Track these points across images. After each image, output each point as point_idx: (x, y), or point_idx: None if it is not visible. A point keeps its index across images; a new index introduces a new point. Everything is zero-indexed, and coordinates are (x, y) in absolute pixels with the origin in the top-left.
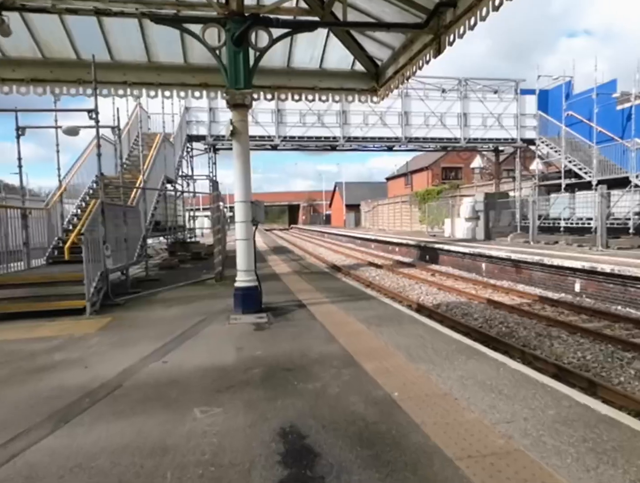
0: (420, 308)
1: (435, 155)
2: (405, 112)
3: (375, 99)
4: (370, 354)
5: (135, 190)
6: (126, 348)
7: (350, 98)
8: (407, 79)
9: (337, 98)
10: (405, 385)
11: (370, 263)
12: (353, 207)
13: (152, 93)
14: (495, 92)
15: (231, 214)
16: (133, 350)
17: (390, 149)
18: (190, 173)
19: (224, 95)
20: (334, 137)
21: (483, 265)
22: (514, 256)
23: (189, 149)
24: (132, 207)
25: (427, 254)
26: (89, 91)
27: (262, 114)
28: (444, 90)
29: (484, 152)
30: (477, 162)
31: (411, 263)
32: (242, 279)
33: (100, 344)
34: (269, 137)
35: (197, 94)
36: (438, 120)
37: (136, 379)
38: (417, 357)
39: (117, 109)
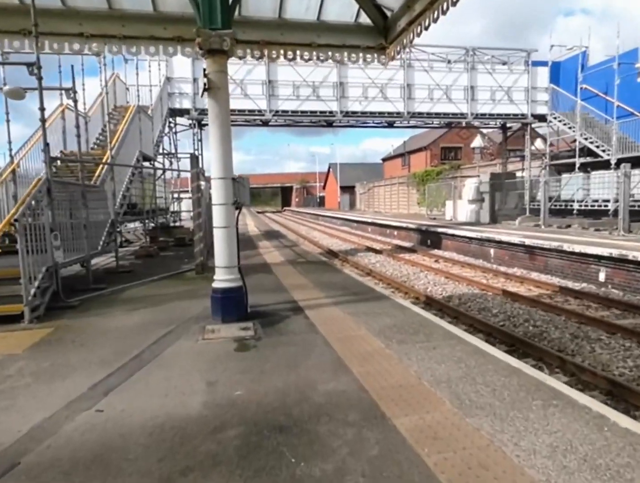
0: (430, 302)
1: (433, 134)
2: (407, 84)
3: (383, 58)
4: (401, 397)
5: (100, 167)
6: (54, 383)
7: (353, 57)
8: (426, 29)
9: (338, 57)
10: (471, 470)
11: (369, 248)
12: (347, 189)
13: (115, 48)
14: (505, 63)
15: None
16: (62, 387)
17: (390, 125)
18: (173, 151)
19: (196, 38)
20: (331, 112)
21: (492, 250)
22: (528, 241)
23: (172, 124)
24: (95, 186)
25: (429, 238)
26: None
27: (252, 86)
28: (449, 61)
29: (487, 131)
30: (477, 141)
31: (412, 248)
32: (222, 278)
33: (20, 374)
34: (259, 111)
35: (170, 49)
36: (443, 94)
37: (46, 449)
38: (470, 404)
39: (72, 66)
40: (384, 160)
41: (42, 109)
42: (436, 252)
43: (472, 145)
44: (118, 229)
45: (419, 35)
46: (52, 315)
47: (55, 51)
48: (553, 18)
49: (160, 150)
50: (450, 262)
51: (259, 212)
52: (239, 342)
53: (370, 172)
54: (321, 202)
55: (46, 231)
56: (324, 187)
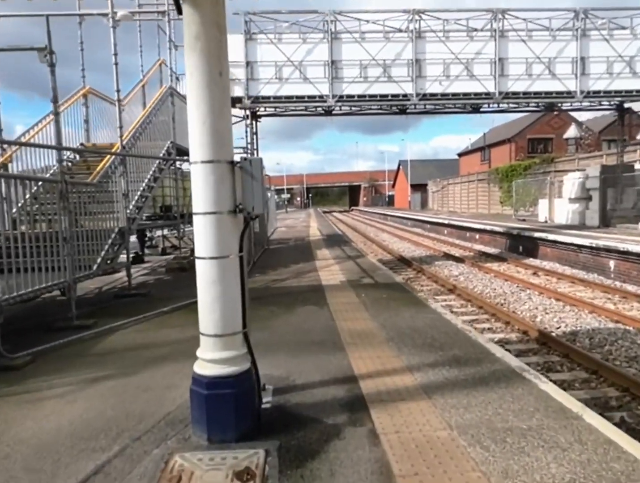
0: (547, 340)
1: (518, 125)
2: (499, 58)
3: None
4: None
5: (105, 160)
6: None
7: None
8: None
9: None
10: None
11: (447, 255)
12: (419, 187)
13: None
14: (625, 27)
15: (278, 197)
16: None
17: (476, 109)
18: None
19: None
20: (404, 95)
21: (611, 263)
22: None
23: None
24: (91, 184)
25: (521, 244)
26: None
27: (312, 68)
28: (552, 29)
29: (582, 119)
30: (572, 131)
31: (499, 255)
32: (210, 357)
33: None
34: (320, 96)
35: None
36: (545, 69)
37: None
38: None
39: (47, 17)
40: (460, 155)
41: None
42: (531, 261)
43: (566, 135)
44: (163, 234)
45: None
46: None
47: None
48: None
49: None
50: (554, 276)
51: (325, 212)
52: None
53: (444, 169)
54: (390, 201)
55: None
56: (393, 186)
